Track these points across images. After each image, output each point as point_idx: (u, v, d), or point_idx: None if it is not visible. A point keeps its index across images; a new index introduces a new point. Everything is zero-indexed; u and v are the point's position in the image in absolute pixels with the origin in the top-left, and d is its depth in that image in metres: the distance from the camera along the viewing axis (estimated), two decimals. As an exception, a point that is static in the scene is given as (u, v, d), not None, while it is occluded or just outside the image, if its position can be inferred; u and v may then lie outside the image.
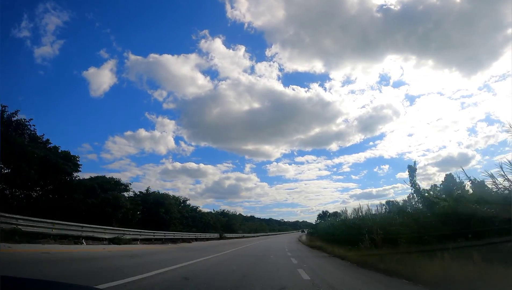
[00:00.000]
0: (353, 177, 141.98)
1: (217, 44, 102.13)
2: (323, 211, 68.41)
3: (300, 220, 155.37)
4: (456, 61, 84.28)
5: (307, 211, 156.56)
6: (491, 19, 70.23)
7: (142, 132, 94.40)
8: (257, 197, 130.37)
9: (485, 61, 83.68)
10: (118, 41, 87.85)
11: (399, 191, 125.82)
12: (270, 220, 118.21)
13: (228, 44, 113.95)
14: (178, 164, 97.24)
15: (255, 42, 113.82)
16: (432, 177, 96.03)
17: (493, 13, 68.95)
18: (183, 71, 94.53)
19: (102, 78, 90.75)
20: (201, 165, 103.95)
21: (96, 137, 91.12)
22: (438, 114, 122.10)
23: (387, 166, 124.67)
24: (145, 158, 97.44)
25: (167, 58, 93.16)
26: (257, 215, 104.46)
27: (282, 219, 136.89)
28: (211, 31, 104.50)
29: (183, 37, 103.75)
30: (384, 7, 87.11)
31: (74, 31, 77.82)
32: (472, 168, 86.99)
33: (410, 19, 77.88)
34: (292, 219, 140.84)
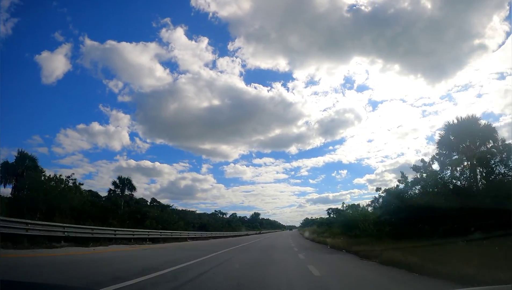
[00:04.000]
0: (311, 181, 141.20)
1: (179, 34, 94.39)
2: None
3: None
4: (422, 67, 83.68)
5: (264, 215, 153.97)
6: (459, 28, 71.71)
7: (96, 126, 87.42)
8: (213, 199, 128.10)
9: (450, 70, 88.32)
10: (74, 23, 79.95)
11: (355, 197, 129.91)
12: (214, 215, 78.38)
13: (190, 35, 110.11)
14: (132, 162, 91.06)
15: (219, 34, 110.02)
16: (388, 184, 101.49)
17: (462, 23, 70.71)
18: (141, 60, 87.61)
19: (56, 63, 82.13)
20: (157, 164, 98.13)
21: (47, 129, 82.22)
22: (399, 121, 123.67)
23: (345, 171, 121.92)
24: (98, 154, 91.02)
25: (125, 45, 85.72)
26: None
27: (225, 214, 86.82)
28: (173, 19, 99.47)
29: (143, 24, 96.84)
30: (355, 7, 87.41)
31: (29, 9, 70.02)
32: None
33: (379, 21, 76.08)
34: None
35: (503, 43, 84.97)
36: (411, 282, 6.48)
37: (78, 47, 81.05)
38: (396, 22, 74.58)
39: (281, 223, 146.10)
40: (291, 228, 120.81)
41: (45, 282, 5.25)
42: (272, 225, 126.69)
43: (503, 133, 78.28)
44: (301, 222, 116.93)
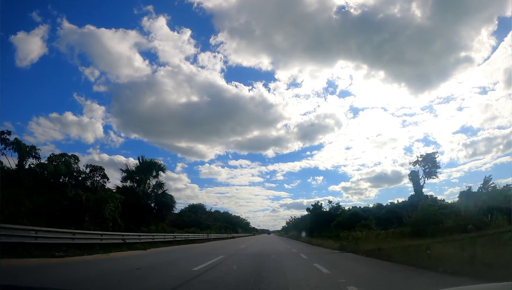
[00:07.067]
0: (286, 186, 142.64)
1: (161, 23, 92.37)
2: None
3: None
4: (407, 76, 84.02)
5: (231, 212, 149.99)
6: (446, 39, 71.99)
7: (69, 116, 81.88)
8: (186, 199, 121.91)
9: (434, 81, 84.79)
10: (53, 3, 73.23)
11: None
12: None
13: (173, 25, 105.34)
14: (105, 156, 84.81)
15: (202, 26, 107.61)
16: (363, 192, 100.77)
17: (450, 34, 71.12)
18: (119, 48, 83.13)
19: (32, 45, 73.86)
20: (131, 160, 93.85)
21: (19, 115, 74.87)
22: (378, 130, 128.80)
23: (321, 178, 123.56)
24: (71, 146, 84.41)
25: (104, 31, 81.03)
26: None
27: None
28: (156, 7, 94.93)
29: (124, 10, 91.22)
30: (344, 9, 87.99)
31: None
32: (403, 186, 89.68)
33: (368, 26, 76.14)
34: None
35: (488, 57, 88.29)
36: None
37: (55, 30, 75.19)
38: (384, 28, 73.94)
39: (253, 226, 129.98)
40: (268, 232, 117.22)
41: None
42: (239, 226, 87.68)
43: (480, 148, 77.29)
44: (290, 220, 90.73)
